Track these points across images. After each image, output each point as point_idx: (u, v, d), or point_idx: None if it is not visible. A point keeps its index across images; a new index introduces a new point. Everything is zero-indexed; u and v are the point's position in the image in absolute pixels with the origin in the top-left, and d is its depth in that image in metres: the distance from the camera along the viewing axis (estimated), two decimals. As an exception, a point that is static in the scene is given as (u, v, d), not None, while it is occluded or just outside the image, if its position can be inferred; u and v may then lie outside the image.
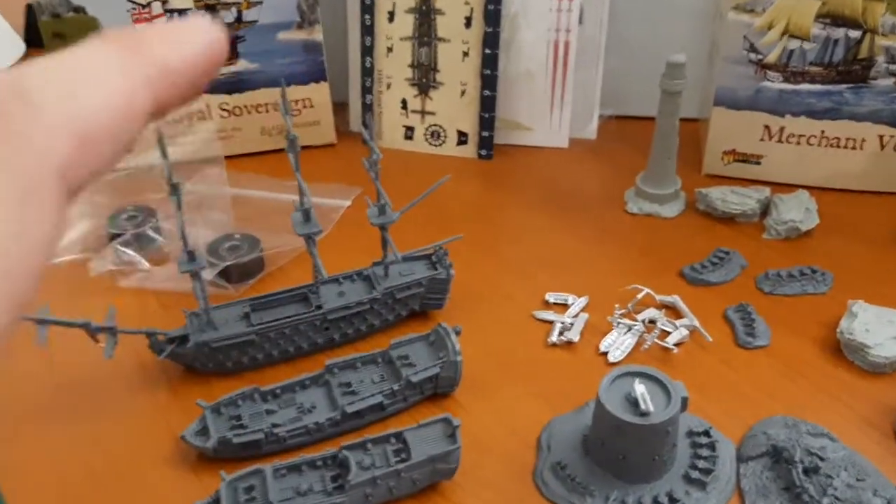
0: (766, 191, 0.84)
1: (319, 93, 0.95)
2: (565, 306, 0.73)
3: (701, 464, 0.57)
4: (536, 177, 0.93)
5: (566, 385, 0.66)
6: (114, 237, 0.80)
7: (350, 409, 0.62)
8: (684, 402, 0.56)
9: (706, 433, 0.60)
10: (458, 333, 0.65)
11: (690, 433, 0.60)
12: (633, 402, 0.56)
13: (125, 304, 0.76)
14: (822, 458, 0.57)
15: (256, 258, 0.78)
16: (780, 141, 0.86)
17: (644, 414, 0.55)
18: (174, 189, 0.61)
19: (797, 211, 0.80)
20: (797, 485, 0.55)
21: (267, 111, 0.94)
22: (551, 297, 0.74)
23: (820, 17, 0.79)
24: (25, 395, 0.67)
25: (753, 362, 0.68)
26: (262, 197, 0.89)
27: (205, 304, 0.66)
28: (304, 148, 0.97)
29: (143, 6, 0.86)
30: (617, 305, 0.72)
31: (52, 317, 0.62)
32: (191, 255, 0.64)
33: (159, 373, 0.69)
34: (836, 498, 0.54)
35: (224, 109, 0.93)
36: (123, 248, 0.78)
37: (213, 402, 0.62)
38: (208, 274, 0.74)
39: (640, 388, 0.56)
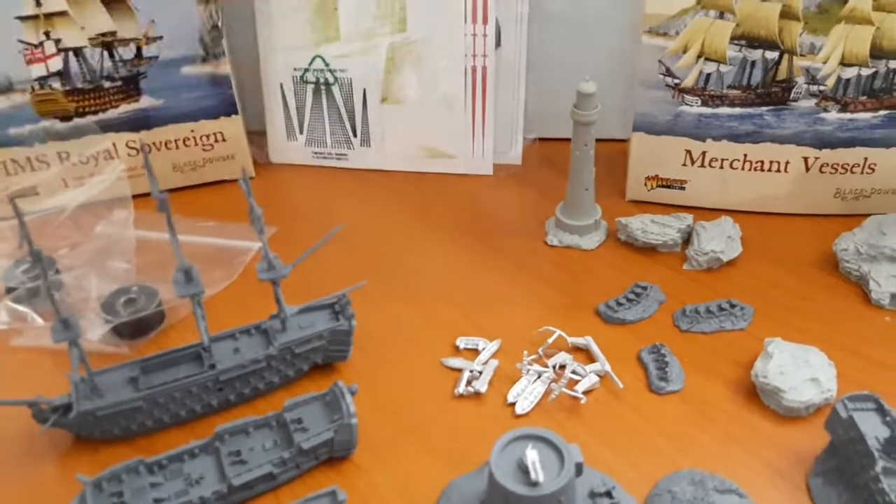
0: (689, 218, 0.81)
1: (232, 126, 0.91)
2: (476, 351, 0.71)
3: (600, 529, 0.55)
4: (459, 206, 0.90)
5: (470, 441, 0.63)
6: (9, 291, 0.77)
7: (238, 482, 0.58)
8: (578, 468, 0.54)
9: (608, 494, 0.57)
10: (353, 394, 0.62)
11: (592, 494, 0.57)
12: (525, 470, 0.53)
13: (18, 364, 0.73)
14: (725, 519, 0.55)
15: (155, 312, 0.74)
16: (702, 165, 0.83)
17: (534, 484, 0.52)
18: (37, 257, 0.58)
19: (719, 240, 0.78)
20: (697, 551, 0.53)
21: (177, 147, 0.91)
22: (462, 343, 0.71)
23: (735, 38, 0.77)
24: None
25: (665, 409, 0.65)
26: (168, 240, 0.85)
27: (88, 372, 0.62)
28: (218, 183, 0.96)
29: (35, 46, 0.82)
30: (526, 352, 0.69)
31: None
32: (65, 324, 0.60)
33: (47, 442, 0.65)
34: (737, 564, 0.52)
35: (132, 147, 0.90)
36: (15, 305, 0.75)
37: (95, 475, 0.59)
38: (100, 331, 0.71)
39: (531, 455, 0.53)
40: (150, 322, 0.74)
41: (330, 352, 0.69)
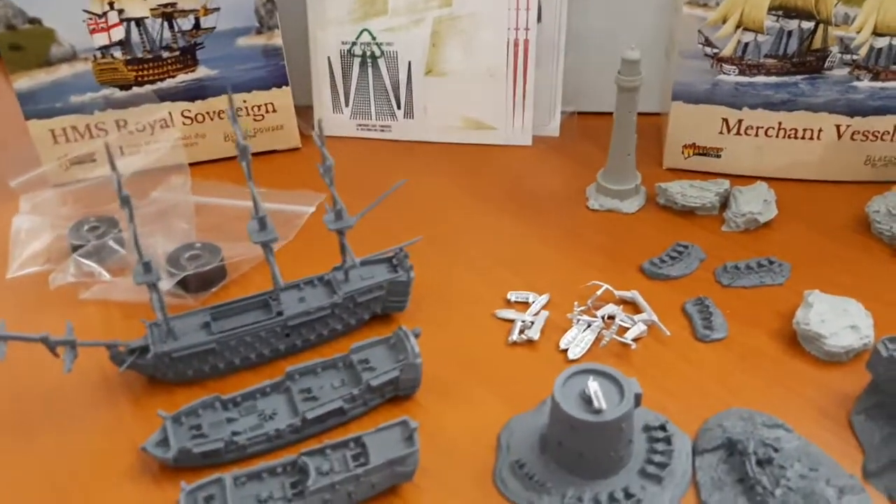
0: (726, 183, 0.85)
1: (282, 97, 0.94)
2: (526, 304, 0.74)
3: (657, 458, 0.58)
4: (500, 175, 0.93)
5: (526, 384, 0.66)
6: (75, 248, 0.80)
7: (311, 415, 0.62)
8: (637, 398, 0.57)
9: (662, 427, 0.60)
10: (417, 336, 0.65)
11: (647, 428, 0.61)
12: (587, 400, 0.56)
13: (87, 317, 0.76)
14: (776, 450, 0.58)
15: (217, 267, 0.78)
16: (738, 133, 0.87)
17: (597, 412, 0.55)
18: (125, 202, 0.61)
19: (756, 203, 0.81)
20: (750, 476, 0.56)
21: (229, 117, 0.94)
22: (513, 296, 0.75)
23: (773, 9, 0.80)
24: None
25: (711, 355, 0.69)
26: (225, 205, 0.89)
27: (163, 315, 0.66)
28: (268, 153, 0.99)
29: (99, 16, 0.85)
30: (576, 302, 0.72)
31: (9, 332, 0.62)
32: (146, 267, 0.64)
33: (121, 384, 0.69)
34: (789, 488, 0.55)
35: (186, 117, 0.93)
36: (84, 260, 0.78)
37: (174, 412, 0.62)
38: (167, 284, 0.74)
39: (593, 386, 0.56)
40: (213, 277, 0.77)
41: (389, 302, 0.73)
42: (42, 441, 0.64)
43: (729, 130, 0.87)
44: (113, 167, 0.60)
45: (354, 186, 0.94)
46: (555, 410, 0.57)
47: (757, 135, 0.86)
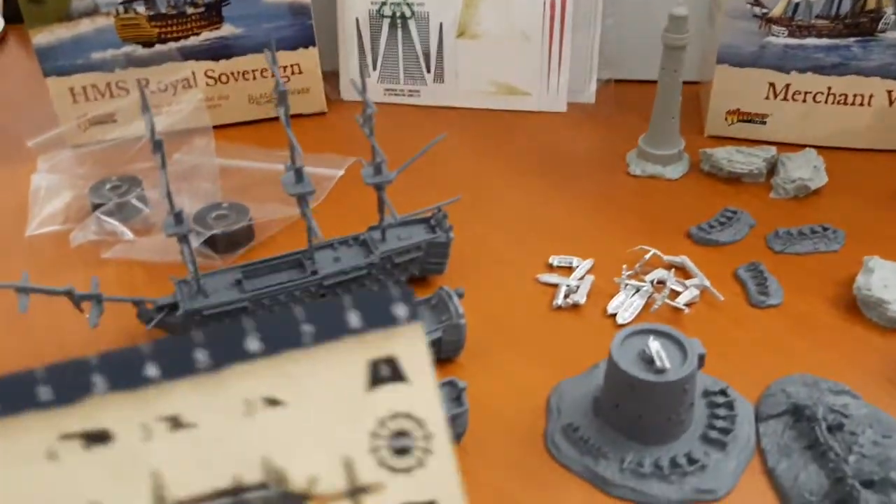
0: (773, 150, 0.81)
1: (308, 58, 0.91)
2: (569, 269, 0.71)
3: (719, 423, 0.55)
4: (534, 141, 0.90)
5: (573, 348, 0.63)
6: (96, 207, 0.77)
7: (350, 376, 0.59)
8: (701, 359, 0.54)
9: (723, 392, 0.57)
10: (460, 296, 0.62)
11: (707, 393, 0.57)
12: (648, 360, 0.53)
13: (109, 277, 0.73)
14: (845, 416, 0.55)
15: (245, 227, 0.74)
16: (785, 98, 0.83)
17: (660, 371, 0.52)
18: (157, 146, 0.58)
19: (805, 169, 0.78)
20: (822, 443, 0.53)
21: (254, 78, 0.91)
22: (555, 260, 0.71)
23: (826, -33, 0.77)
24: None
25: (767, 321, 0.65)
26: (251, 167, 0.85)
27: (194, 270, 0.62)
28: (293, 116, 0.95)
29: (122, -32, 0.82)
30: (625, 266, 0.69)
31: (33, 285, 0.58)
32: (178, 218, 0.60)
33: (147, 344, 0.65)
34: (863, 455, 0.52)
35: (210, 77, 0.90)
36: (106, 218, 0.75)
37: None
38: (194, 242, 0.71)
39: (654, 345, 0.53)
40: (240, 237, 0.74)
41: (427, 264, 0.69)
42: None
43: (775, 96, 0.84)
44: (146, 108, 0.57)
45: (382, 151, 0.91)
46: (612, 371, 0.54)
47: (804, 100, 0.83)
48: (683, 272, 0.70)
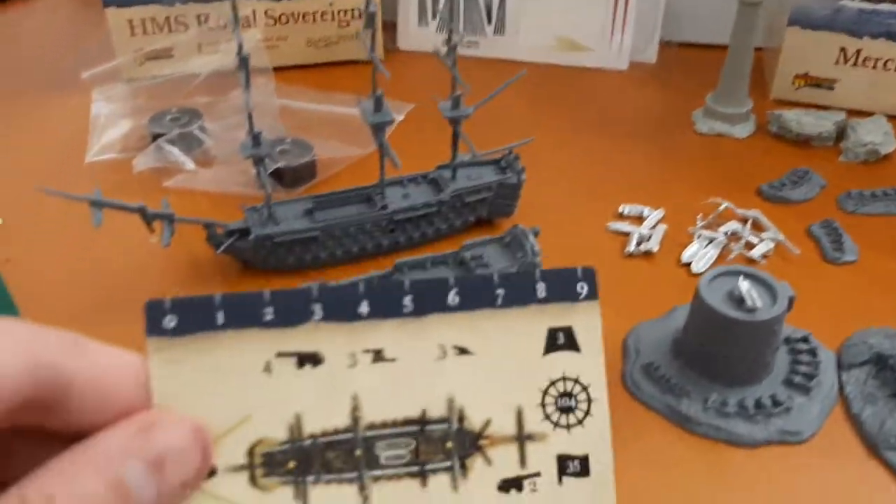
0: (842, 114, 0.80)
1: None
2: (640, 219, 0.70)
3: (802, 369, 0.54)
4: (594, 98, 0.89)
5: (647, 295, 0.62)
6: (156, 138, 0.76)
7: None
8: (791, 301, 0.53)
9: (805, 339, 0.56)
10: (536, 234, 0.61)
11: (788, 340, 0.56)
12: (737, 300, 0.52)
13: (173, 206, 0.72)
14: (931, 367, 0.54)
15: (308, 162, 0.73)
16: (855, 65, 0.82)
17: (750, 311, 0.51)
18: (243, 63, 0.57)
19: (876, 134, 0.77)
20: (909, 390, 0.52)
21: (313, 20, 0.90)
22: (626, 209, 0.70)
23: (910, -72, 0.76)
24: (69, 295, 0.63)
25: (843, 277, 0.64)
26: (311, 108, 0.84)
27: (267, 194, 0.61)
28: (350, 62, 0.95)
29: None
30: (700, 215, 0.68)
31: (106, 199, 0.58)
32: (256, 140, 0.59)
33: (214, 271, 0.65)
34: (951, 404, 0.51)
35: (270, 17, 0.89)
36: (169, 147, 0.74)
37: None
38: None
39: (745, 285, 0.52)
40: (303, 173, 0.73)
41: (496, 206, 0.68)
42: (126, 327, 0.60)
43: (846, 61, 0.82)
44: (235, 20, 0.55)
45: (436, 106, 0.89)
46: (699, 310, 0.53)
47: (875, 67, 0.82)
48: (756, 226, 0.69)
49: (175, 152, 0.74)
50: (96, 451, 0.23)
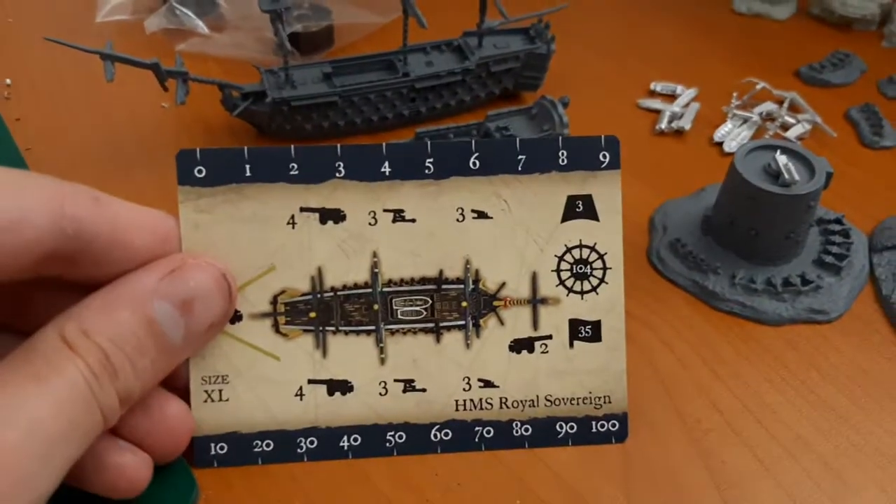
0: (889, -3, 0.76)
1: None
2: (673, 97, 0.67)
3: (834, 249, 0.52)
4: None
5: (676, 173, 0.60)
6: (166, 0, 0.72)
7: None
8: (829, 177, 0.51)
9: (838, 221, 0.54)
10: (565, 105, 0.59)
11: (820, 221, 0.55)
12: (773, 175, 0.50)
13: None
14: (967, 250, 0.52)
15: (326, 28, 0.70)
16: (908, -57, 0.77)
17: (786, 185, 0.49)
18: None
19: (925, 17, 0.73)
20: (944, 273, 0.51)
21: None
22: (657, 87, 0.68)
23: None
24: (81, 153, 0.61)
25: (880, 161, 0.62)
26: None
27: (286, 52, 0.58)
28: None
29: None
30: (735, 93, 0.65)
31: (118, 53, 0.55)
32: (274, -6, 0.56)
33: (227, 135, 0.63)
34: None
35: None
36: (182, 8, 0.71)
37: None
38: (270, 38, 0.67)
39: (782, 159, 0.50)
40: (320, 39, 0.70)
41: (523, 77, 0.66)
42: (139, 176, 0.59)
43: (898, -61, 0.77)
44: None
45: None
46: (733, 183, 0.51)
47: (929, -53, 0.77)
48: (793, 108, 0.66)
49: (188, 14, 0.70)
50: (128, 291, 0.24)
